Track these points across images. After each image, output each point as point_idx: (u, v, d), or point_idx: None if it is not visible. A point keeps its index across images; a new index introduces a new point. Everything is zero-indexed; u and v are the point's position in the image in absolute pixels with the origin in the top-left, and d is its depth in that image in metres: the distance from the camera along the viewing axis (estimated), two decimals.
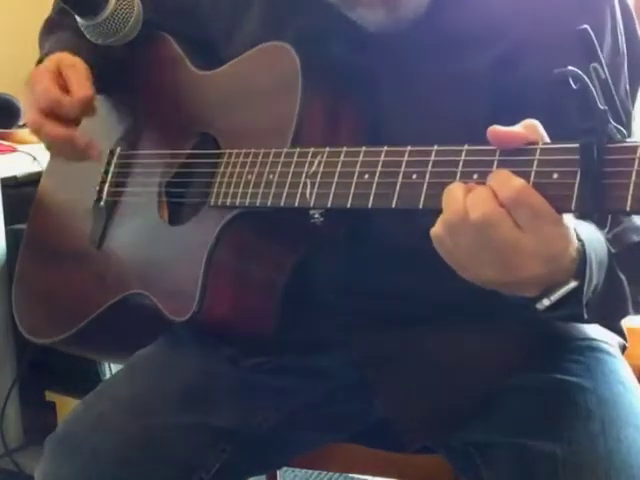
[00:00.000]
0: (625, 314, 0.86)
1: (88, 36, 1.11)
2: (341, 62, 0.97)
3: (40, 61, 1.15)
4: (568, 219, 0.71)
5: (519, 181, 0.67)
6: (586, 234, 0.75)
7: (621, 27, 0.93)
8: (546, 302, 0.73)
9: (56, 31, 1.20)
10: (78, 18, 1.09)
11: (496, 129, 0.68)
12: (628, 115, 0.93)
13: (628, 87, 0.94)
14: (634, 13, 0.96)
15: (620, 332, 1.08)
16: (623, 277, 0.82)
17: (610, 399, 0.91)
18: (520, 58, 0.89)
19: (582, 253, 0.73)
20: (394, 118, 0.94)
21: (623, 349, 1.08)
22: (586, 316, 0.76)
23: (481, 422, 0.95)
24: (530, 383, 0.95)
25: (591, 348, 1.00)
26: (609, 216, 0.84)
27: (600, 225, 0.82)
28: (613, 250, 0.80)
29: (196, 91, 1.12)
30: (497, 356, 0.98)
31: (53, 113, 1.07)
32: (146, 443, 0.94)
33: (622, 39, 0.93)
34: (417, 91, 0.94)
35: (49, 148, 1.13)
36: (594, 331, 1.03)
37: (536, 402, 0.93)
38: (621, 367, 1.00)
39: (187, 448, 0.96)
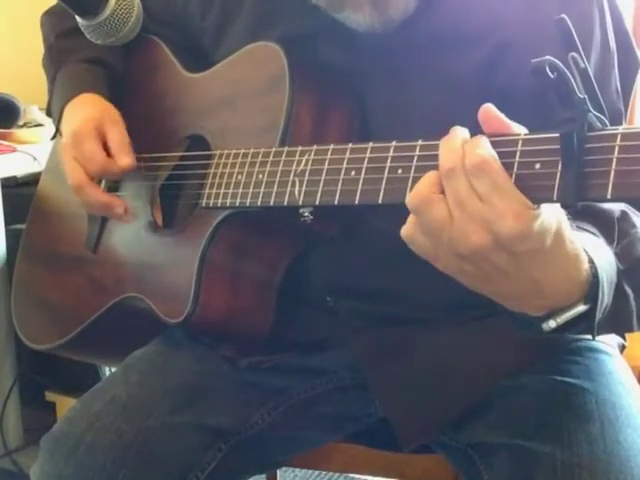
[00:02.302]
0: (630, 329, 0.85)
1: (88, 36, 1.11)
2: (329, 62, 0.97)
3: (58, 95, 1.15)
4: (576, 238, 0.70)
5: (486, 151, 0.66)
6: (596, 254, 0.74)
7: (610, 24, 0.94)
8: (552, 324, 0.73)
9: (64, 60, 1.19)
10: (78, 18, 1.09)
11: (490, 109, 0.68)
12: (618, 114, 0.94)
13: (619, 85, 0.95)
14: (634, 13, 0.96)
15: None
16: (630, 292, 0.81)
17: (609, 400, 0.91)
18: (506, 59, 0.89)
19: (593, 276, 0.72)
20: (382, 118, 0.95)
21: (622, 349, 1.08)
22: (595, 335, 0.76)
23: (480, 423, 0.95)
24: (529, 384, 0.95)
25: (590, 349, 1.00)
26: (616, 227, 0.84)
27: (609, 238, 0.81)
28: (621, 266, 0.80)
29: (187, 93, 1.13)
30: (495, 357, 0.98)
31: (97, 176, 1.08)
32: (142, 442, 0.94)
33: (611, 36, 0.94)
34: (405, 92, 0.94)
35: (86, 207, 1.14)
36: None
37: (535, 403, 0.93)
38: (620, 367, 1.00)
39: (183, 447, 0.96)
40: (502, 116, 0.68)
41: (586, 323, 0.74)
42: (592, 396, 0.91)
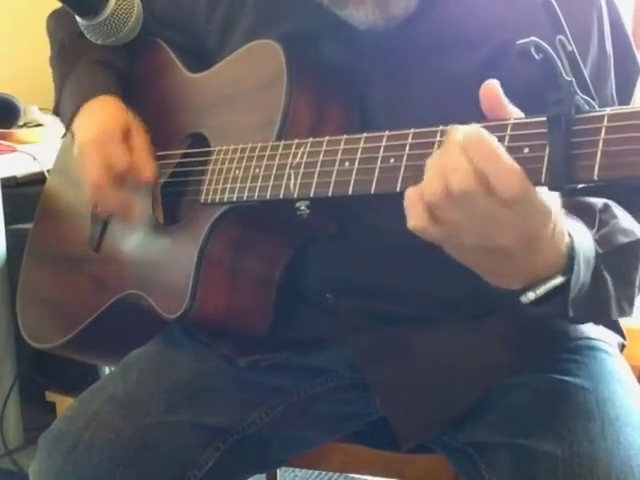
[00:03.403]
0: (608, 315, 0.86)
1: (88, 36, 1.12)
2: (330, 61, 0.98)
3: (80, 96, 1.14)
4: (553, 203, 0.71)
5: (490, 143, 0.66)
6: (575, 231, 0.75)
7: (608, 30, 0.94)
8: (531, 295, 0.74)
9: (78, 59, 1.19)
10: (78, 18, 1.10)
11: (492, 84, 0.68)
12: None
13: (614, 91, 0.95)
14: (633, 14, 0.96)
15: (619, 331, 1.08)
16: (608, 277, 0.82)
17: (609, 399, 0.91)
18: (506, 59, 0.89)
19: (570, 249, 0.73)
20: (382, 118, 0.95)
21: (622, 348, 1.08)
22: (571, 314, 0.76)
23: (481, 422, 0.95)
24: (529, 383, 0.95)
25: (589, 347, 1.00)
26: (597, 217, 0.84)
27: (589, 225, 0.82)
28: (600, 250, 0.80)
29: (188, 93, 1.13)
30: (495, 356, 0.98)
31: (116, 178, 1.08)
32: (139, 440, 0.94)
33: (609, 42, 0.94)
34: (405, 92, 0.95)
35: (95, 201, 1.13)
36: (592, 330, 1.02)
37: (536, 402, 0.93)
38: (620, 366, 1.00)
39: (180, 445, 0.96)
40: (502, 96, 0.68)
41: (561, 297, 0.75)
42: (592, 395, 0.91)
